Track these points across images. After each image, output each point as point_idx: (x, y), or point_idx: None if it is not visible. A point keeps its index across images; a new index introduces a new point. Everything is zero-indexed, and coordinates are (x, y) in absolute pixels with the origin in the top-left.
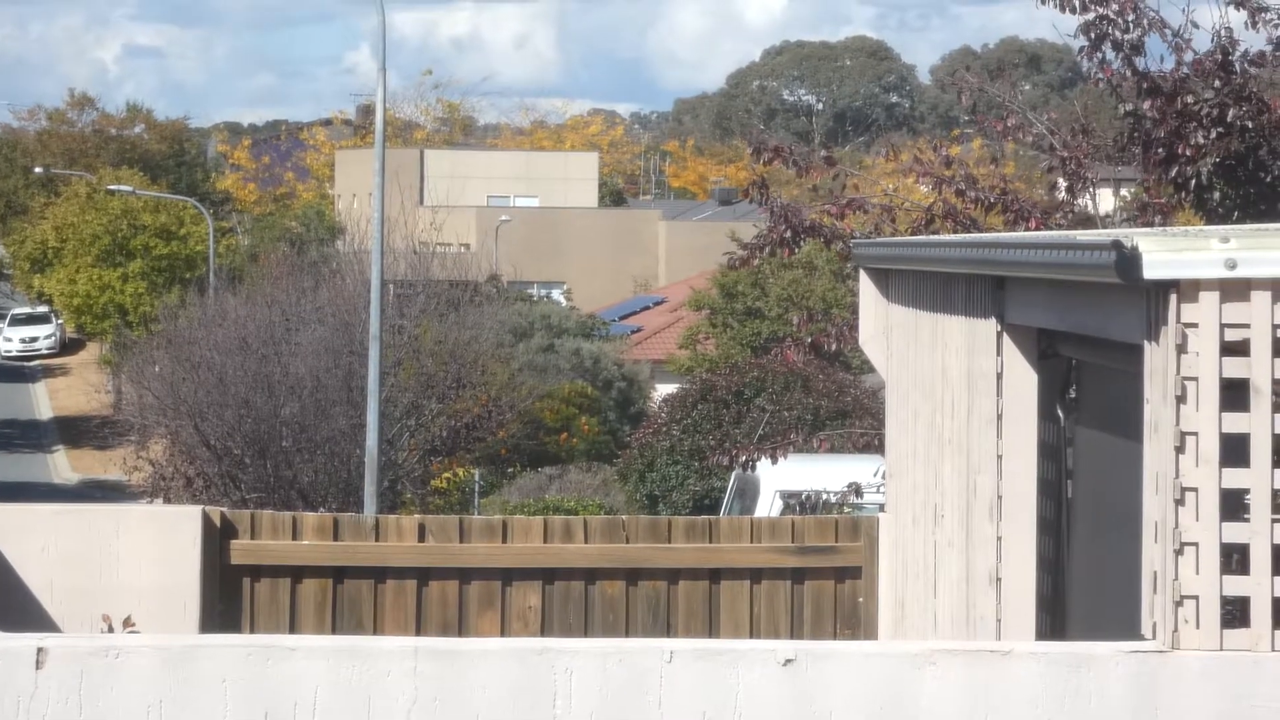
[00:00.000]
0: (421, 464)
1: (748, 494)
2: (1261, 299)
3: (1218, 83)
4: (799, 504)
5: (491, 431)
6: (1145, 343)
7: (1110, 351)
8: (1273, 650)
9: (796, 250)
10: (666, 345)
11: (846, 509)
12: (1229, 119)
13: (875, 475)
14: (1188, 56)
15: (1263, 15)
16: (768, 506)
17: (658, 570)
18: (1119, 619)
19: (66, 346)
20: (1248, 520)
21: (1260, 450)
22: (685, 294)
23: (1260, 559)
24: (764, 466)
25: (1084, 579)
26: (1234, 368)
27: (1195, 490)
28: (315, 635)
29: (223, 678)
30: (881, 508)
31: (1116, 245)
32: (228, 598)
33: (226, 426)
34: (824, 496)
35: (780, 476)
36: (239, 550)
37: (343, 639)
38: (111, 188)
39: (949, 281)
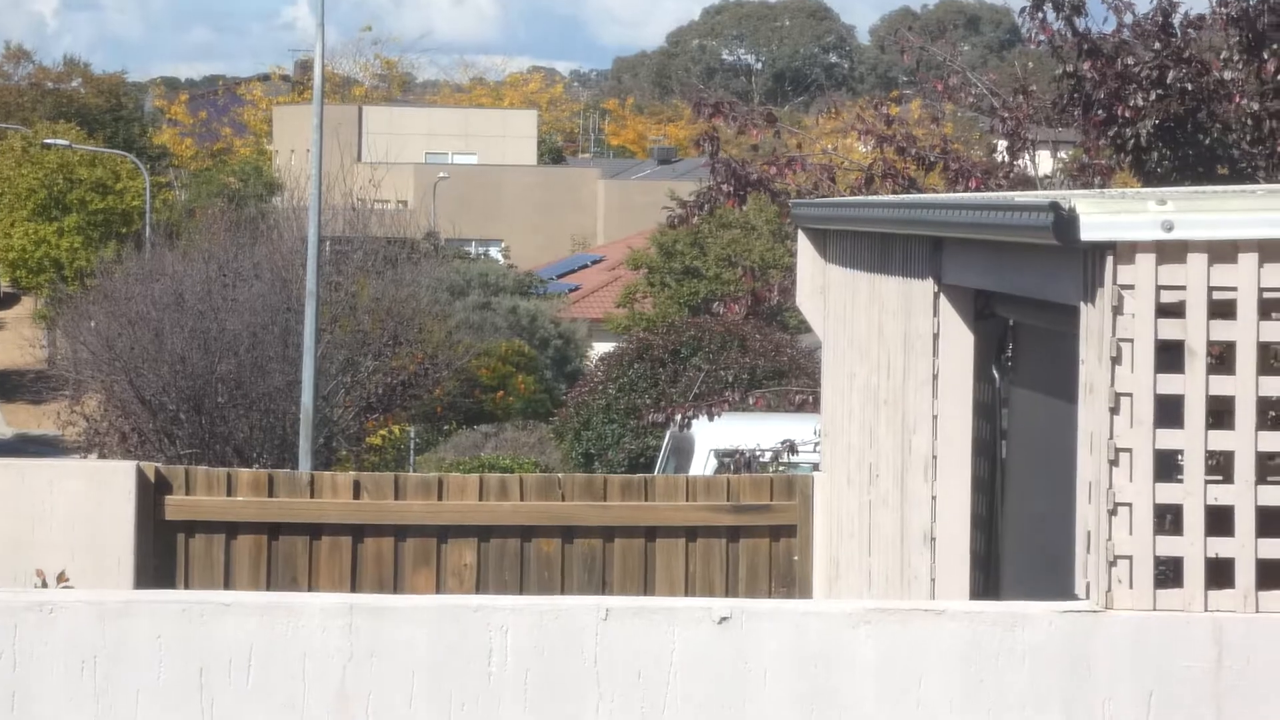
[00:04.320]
0: (357, 421)
1: (683, 452)
2: (1198, 261)
3: (1158, 45)
4: (734, 463)
5: (428, 389)
6: (1081, 304)
7: (1047, 313)
8: (1205, 611)
9: (742, 204)
10: (604, 304)
11: (780, 467)
12: (1168, 81)
13: (813, 434)
14: (1128, 18)
15: None
16: (703, 465)
17: (593, 528)
18: (1052, 578)
19: (1, 301)
20: (1181, 481)
21: (1194, 412)
22: (623, 253)
23: (1193, 520)
24: (699, 425)
25: (1018, 538)
26: (1169, 329)
27: (1129, 451)
28: (250, 591)
29: (158, 634)
30: (816, 466)
31: (1054, 207)
32: (162, 553)
33: (162, 382)
34: (759, 455)
35: (715, 435)
36: (174, 506)
37: (277, 595)
38: (48, 141)
39: (886, 242)
